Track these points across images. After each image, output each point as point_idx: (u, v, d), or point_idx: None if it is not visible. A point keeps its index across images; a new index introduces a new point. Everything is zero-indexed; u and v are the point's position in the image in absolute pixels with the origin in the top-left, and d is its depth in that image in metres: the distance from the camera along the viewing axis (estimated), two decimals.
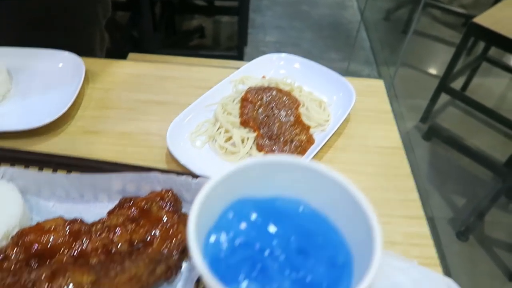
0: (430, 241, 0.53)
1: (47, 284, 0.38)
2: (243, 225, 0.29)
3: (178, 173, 0.51)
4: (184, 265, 0.47)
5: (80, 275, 0.39)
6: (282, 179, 0.30)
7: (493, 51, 2.12)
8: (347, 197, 0.27)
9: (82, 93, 0.68)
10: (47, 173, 0.51)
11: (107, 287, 0.38)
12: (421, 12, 2.53)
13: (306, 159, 0.30)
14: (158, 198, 0.49)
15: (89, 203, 0.53)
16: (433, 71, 2.48)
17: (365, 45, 2.67)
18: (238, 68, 0.72)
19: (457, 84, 2.07)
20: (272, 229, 0.29)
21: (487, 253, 1.53)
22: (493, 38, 1.67)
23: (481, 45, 2.19)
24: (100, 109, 0.67)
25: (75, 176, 0.51)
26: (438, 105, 2.00)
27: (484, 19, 1.71)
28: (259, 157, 0.29)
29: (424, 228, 0.54)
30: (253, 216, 0.29)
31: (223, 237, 0.27)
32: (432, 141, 1.96)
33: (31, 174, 0.52)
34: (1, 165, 0.52)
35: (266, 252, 0.27)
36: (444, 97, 1.96)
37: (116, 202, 0.51)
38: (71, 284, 0.38)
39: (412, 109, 2.12)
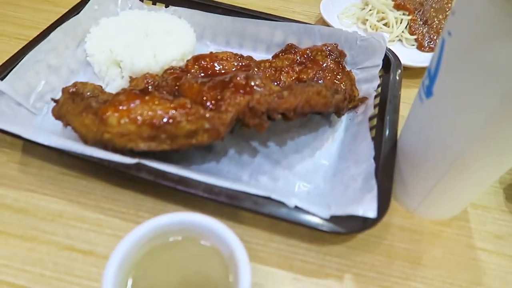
0: None
1: (245, 81, 0.38)
2: None
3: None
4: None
5: (269, 83, 0.40)
6: None
7: None
8: None
9: None
10: (214, 15, 0.53)
11: (300, 93, 0.38)
12: None
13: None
14: (324, 48, 0.49)
15: (247, 53, 0.53)
16: None
17: None
18: None
19: None
20: None
21: None
22: None
23: None
24: None
25: (241, 20, 0.52)
26: None
27: None
28: None
29: None
30: None
31: None
32: None
33: (199, 14, 0.53)
34: (169, 6, 0.54)
35: None
36: None
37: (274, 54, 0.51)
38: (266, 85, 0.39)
39: None
